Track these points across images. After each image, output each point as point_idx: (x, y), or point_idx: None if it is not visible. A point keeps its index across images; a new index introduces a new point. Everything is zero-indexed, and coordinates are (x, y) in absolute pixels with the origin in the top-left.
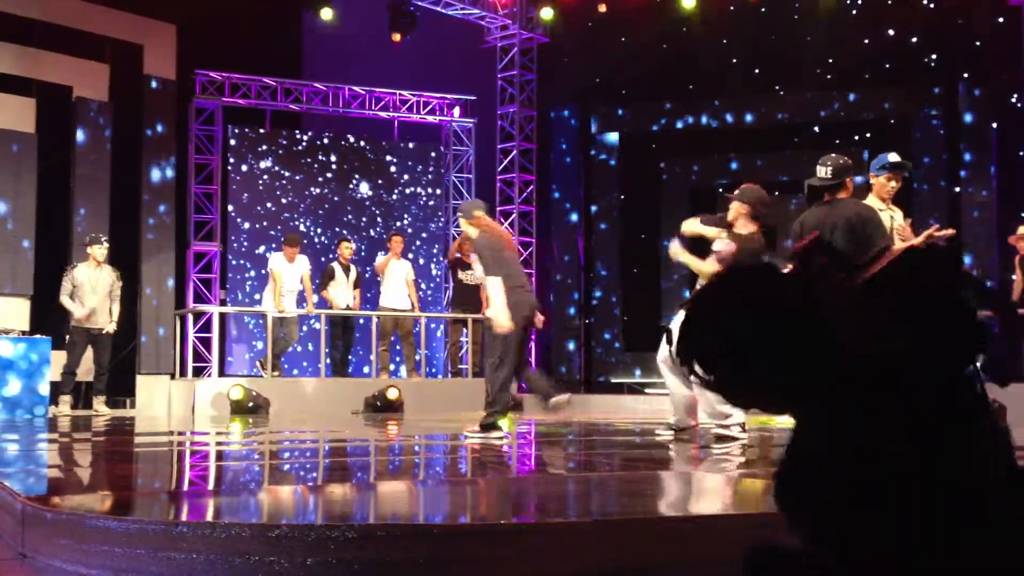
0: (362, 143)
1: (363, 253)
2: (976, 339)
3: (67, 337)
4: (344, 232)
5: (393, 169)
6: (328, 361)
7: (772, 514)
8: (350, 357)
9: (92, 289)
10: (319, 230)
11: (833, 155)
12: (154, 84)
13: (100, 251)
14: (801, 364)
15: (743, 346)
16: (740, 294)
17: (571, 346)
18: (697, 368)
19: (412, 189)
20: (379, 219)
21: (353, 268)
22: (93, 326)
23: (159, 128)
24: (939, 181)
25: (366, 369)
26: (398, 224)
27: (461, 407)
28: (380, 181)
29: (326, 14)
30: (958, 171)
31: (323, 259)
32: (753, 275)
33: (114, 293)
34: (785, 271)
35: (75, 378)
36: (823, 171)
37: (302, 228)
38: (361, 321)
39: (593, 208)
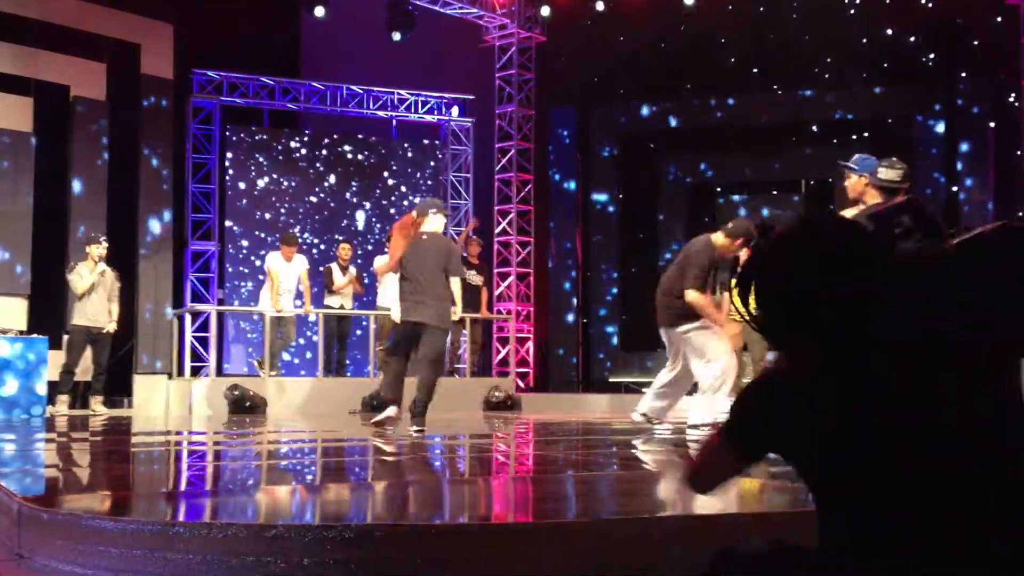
0: (360, 156)
1: (359, 260)
2: None
3: (66, 336)
4: (342, 238)
5: (391, 179)
6: (327, 369)
7: (772, 514)
8: (347, 361)
9: (92, 288)
10: (316, 239)
11: (895, 159)
12: (151, 83)
13: (99, 251)
14: (854, 319)
15: (804, 286)
16: (815, 234)
17: (569, 345)
18: (752, 304)
19: (411, 196)
20: (376, 223)
21: (352, 269)
22: (94, 325)
23: (156, 127)
24: (937, 181)
25: (367, 378)
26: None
27: (459, 407)
28: (379, 187)
29: (320, 11)
30: (956, 171)
31: (321, 267)
32: (835, 221)
33: (113, 293)
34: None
35: (74, 377)
36: (892, 173)
37: (300, 237)
38: (358, 332)
39: (591, 207)
